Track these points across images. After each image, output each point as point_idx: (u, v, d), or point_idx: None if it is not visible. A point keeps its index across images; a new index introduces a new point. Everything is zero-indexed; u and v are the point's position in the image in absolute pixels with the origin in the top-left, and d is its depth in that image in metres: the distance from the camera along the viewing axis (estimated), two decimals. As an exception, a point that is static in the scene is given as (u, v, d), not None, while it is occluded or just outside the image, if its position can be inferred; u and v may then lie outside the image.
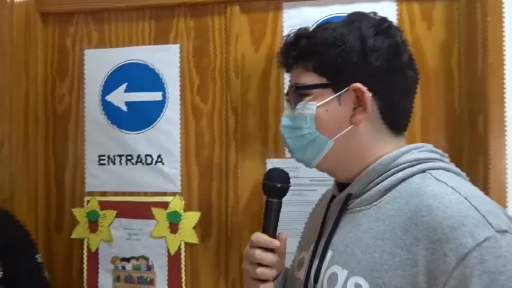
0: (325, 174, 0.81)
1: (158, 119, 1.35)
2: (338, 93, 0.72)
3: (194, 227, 1.33)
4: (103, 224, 1.38)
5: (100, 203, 1.39)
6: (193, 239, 1.33)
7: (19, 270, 1.04)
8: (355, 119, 0.72)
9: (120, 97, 1.38)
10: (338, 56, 0.71)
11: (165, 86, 1.35)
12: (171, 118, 1.35)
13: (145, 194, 1.36)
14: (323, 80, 0.73)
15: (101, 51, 1.40)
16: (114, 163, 1.38)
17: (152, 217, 1.35)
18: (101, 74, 1.39)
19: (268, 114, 1.29)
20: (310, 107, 0.73)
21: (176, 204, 1.34)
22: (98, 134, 1.39)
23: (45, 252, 1.39)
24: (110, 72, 1.39)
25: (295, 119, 0.75)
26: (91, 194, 1.40)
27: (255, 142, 1.30)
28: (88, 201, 1.39)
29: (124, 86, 1.38)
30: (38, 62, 1.41)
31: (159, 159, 1.35)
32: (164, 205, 1.35)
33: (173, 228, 1.34)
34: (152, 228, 1.35)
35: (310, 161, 0.77)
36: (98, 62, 1.40)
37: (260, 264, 0.78)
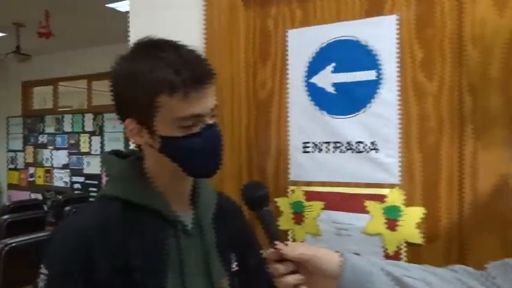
0: None
1: (372, 101, 1.20)
2: None
3: (417, 225, 1.15)
4: (308, 216, 1.29)
5: (306, 193, 1.30)
6: (417, 238, 1.15)
7: (251, 262, 1.00)
8: None
9: (327, 79, 1.26)
10: None
11: (380, 63, 1.19)
12: (387, 99, 1.18)
13: (357, 185, 1.23)
14: None
15: (305, 31, 1.30)
16: (320, 151, 1.28)
17: (365, 211, 1.21)
18: (305, 55, 1.30)
19: (518, 91, 1.04)
20: None
21: (395, 197, 1.17)
22: (302, 119, 1.30)
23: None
24: (315, 53, 1.28)
25: None
26: (295, 183, 1.32)
27: (498, 128, 1.06)
28: (293, 191, 1.32)
29: (331, 66, 1.26)
30: (240, 47, 1.38)
31: (373, 147, 1.20)
32: (380, 198, 1.19)
33: (392, 224, 1.18)
34: (365, 223, 1.21)
35: None
36: (302, 43, 1.30)
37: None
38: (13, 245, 3.20)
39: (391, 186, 1.18)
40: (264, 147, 1.36)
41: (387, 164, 1.19)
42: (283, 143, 1.33)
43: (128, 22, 1.49)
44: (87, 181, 6.41)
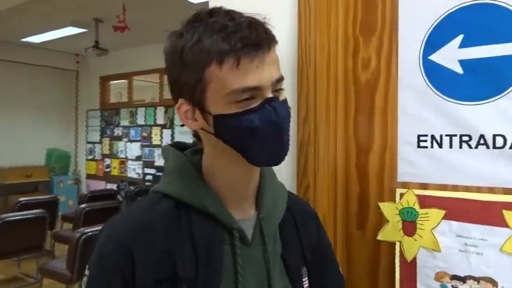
0: None
1: (517, 83, 0.92)
2: None
3: None
4: (423, 226, 1.04)
5: (420, 198, 1.04)
6: None
7: (328, 278, 0.84)
8: None
9: (452, 55, 1.00)
10: None
11: (531, 32, 0.91)
12: (541, 80, 0.90)
13: (491, 190, 0.96)
14: None
15: (424, -4, 1.04)
16: (441, 146, 1.02)
17: (503, 224, 0.94)
18: (422, 27, 1.04)
19: None
20: None
21: (549, 209, 0.89)
22: (417, 106, 1.05)
23: (343, 254, 1.14)
24: (436, 23, 1.02)
25: None
26: (406, 185, 1.07)
27: None
28: (402, 194, 1.07)
29: (459, 39, 0.99)
30: (338, 19, 1.15)
31: (517, 142, 0.93)
32: (526, 209, 0.92)
33: (543, 244, 0.90)
34: (504, 240, 0.94)
35: None
36: (419, 11, 1.05)
37: None
38: (89, 233, 3.26)
39: (543, 193, 0.90)
40: (365, 141, 1.13)
41: (537, 164, 0.90)
42: (390, 135, 1.09)
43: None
44: (158, 173, 6.53)
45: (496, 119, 0.95)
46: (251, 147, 0.69)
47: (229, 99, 0.67)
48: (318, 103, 1.09)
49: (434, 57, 1.02)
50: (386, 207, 1.09)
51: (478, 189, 0.97)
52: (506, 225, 0.94)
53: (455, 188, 1.00)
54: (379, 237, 1.10)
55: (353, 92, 1.14)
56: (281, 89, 0.71)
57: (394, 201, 1.08)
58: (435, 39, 1.02)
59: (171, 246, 0.69)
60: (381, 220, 1.10)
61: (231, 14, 0.68)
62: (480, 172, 0.97)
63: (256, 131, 0.67)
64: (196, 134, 0.78)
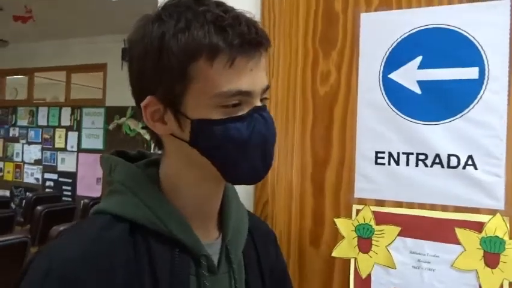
0: None
1: (472, 105, 0.97)
2: None
3: (526, 263, 0.92)
4: (379, 242, 1.04)
5: (376, 214, 1.05)
6: (525, 279, 0.92)
7: None
8: None
9: (411, 75, 1.03)
10: None
11: (484, 58, 0.96)
12: (492, 104, 0.95)
13: (444, 208, 0.99)
14: None
15: (385, 15, 1.06)
16: (398, 163, 1.04)
17: (455, 241, 0.97)
18: (383, 45, 1.06)
19: None
20: None
21: (498, 226, 0.94)
22: (376, 123, 1.06)
23: (297, 271, 1.10)
24: (396, 42, 1.04)
25: None
26: (362, 201, 1.07)
27: None
28: (359, 210, 1.07)
29: (418, 60, 1.02)
30: (299, 29, 1.12)
31: (470, 162, 0.97)
32: (477, 226, 0.96)
33: (491, 260, 0.94)
34: (455, 256, 0.97)
35: None
36: (380, 29, 1.06)
37: None
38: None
39: (492, 212, 0.95)
40: (323, 155, 1.11)
41: (488, 184, 0.95)
42: (348, 150, 1.08)
43: None
44: (61, 179, 5.99)
45: (450, 139, 0.99)
46: (231, 162, 0.60)
47: (216, 101, 0.58)
48: (278, 113, 1.05)
49: (394, 75, 1.04)
50: (342, 224, 1.08)
51: (432, 207, 1.00)
52: (457, 242, 0.97)
53: (410, 205, 1.02)
54: (334, 254, 1.08)
55: (311, 104, 1.12)
56: (266, 99, 0.65)
57: (350, 217, 1.07)
58: (396, 58, 1.04)
59: (128, 281, 0.57)
60: (337, 236, 1.08)
61: (222, 5, 0.59)
62: (434, 190, 1.00)
63: (242, 143, 0.59)
64: (158, 141, 0.67)
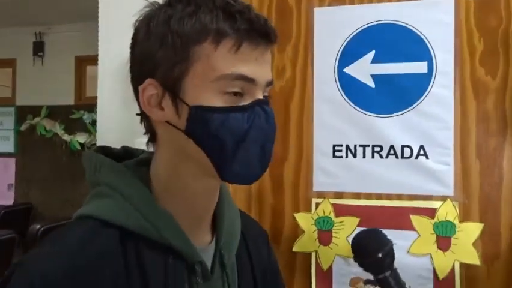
0: None
1: (421, 98, 1.02)
2: None
3: (474, 244, 0.99)
4: (339, 234, 1.06)
5: (335, 207, 1.07)
6: (473, 259, 0.99)
7: None
8: None
9: (365, 69, 1.05)
10: None
11: (432, 54, 1.02)
12: (441, 97, 1.01)
13: (400, 197, 1.04)
14: None
15: (338, 10, 1.07)
16: (355, 155, 1.06)
17: (410, 228, 1.02)
18: (337, 40, 1.07)
19: None
20: None
21: (448, 211, 1.00)
22: (332, 117, 1.07)
23: (258, 269, 1.08)
24: (350, 37, 1.06)
25: None
26: (321, 195, 1.08)
27: None
28: (318, 204, 1.07)
29: (371, 54, 1.05)
30: (253, 23, 1.10)
31: (421, 152, 1.02)
32: (430, 212, 1.01)
33: (444, 243, 1.01)
34: (411, 242, 1.02)
35: None
36: (334, 24, 1.08)
37: None
38: None
39: (443, 198, 1.01)
40: (280, 151, 1.10)
41: (438, 172, 1.01)
42: (306, 145, 1.09)
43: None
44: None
45: (403, 131, 1.03)
46: (227, 155, 0.56)
47: (217, 86, 0.54)
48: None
49: (349, 70, 1.06)
50: (302, 218, 1.08)
51: (388, 197, 1.04)
52: (413, 229, 1.02)
53: (368, 196, 1.05)
54: (294, 249, 1.08)
55: (267, 100, 1.10)
56: (268, 96, 0.61)
57: (310, 211, 1.08)
58: (350, 53, 1.06)
59: None
60: (297, 231, 1.08)
61: None
62: (390, 180, 1.04)
63: (241, 136, 0.55)
64: (152, 133, 0.61)
